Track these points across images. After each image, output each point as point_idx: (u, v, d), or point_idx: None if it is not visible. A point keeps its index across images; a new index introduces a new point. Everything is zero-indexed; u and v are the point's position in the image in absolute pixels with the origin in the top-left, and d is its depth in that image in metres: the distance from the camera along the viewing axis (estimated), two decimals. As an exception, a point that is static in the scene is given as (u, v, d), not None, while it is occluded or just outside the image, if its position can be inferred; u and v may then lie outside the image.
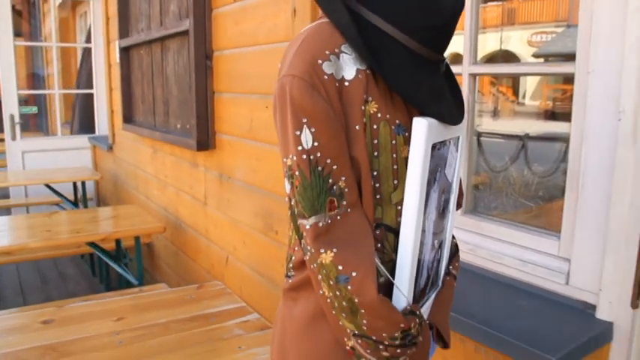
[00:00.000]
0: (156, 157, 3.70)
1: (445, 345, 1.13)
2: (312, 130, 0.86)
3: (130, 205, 4.06)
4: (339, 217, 0.88)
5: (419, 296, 1.02)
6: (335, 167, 0.87)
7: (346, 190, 0.88)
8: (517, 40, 20.93)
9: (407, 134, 0.94)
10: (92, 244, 3.29)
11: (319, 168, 0.87)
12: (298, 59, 0.89)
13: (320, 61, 0.88)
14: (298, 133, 0.86)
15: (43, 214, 3.80)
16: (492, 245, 1.59)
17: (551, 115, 15.29)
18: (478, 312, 1.36)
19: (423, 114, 0.94)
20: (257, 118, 2.33)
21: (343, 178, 0.88)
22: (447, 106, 1.02)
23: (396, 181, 0.94)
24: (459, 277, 1.21)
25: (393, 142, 0.93)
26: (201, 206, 2.97)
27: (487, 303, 1.42)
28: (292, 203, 0.92)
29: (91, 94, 5.83)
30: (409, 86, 0.94)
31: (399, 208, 0.95)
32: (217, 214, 2.77)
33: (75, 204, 5.02)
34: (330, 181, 0.87)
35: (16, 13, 9.60)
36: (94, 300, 2.20)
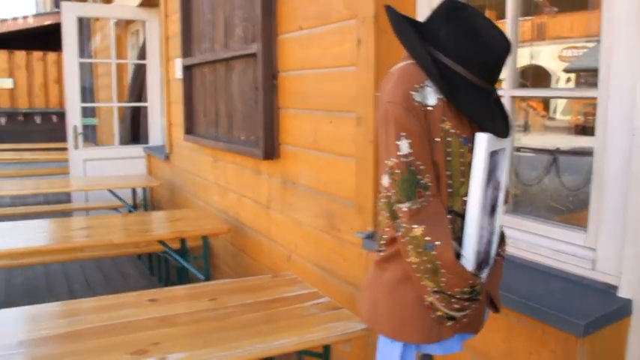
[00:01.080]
0: (216, 165, 4.08)
1: (496, 309, 1.47)
2: (408, 141, 1.23)
3: (190, 209, 4.46)
4: (425, 203, 1.26)
5: (476, 270, 1.37)
6: (422, 167, 1.24)
7: (429, 184, 1.26)
8: (547, 55, 21.05)
9: (470, 145, 1.30)
10: (163, 243, 3.67)
11: (412, 168, 1.24)
12: (396, 90, 1.26)
13: (411, 92, 1.25)
14: (398, 143, 1.23)
15: (120, 215, 4.21)
16: (530, 238, 1.91)
17: (581, 130, 15.41)
18: (519, 292, 1.68)
19: (482, 130, 1.30)
20: (321, 131, 2.68)
21: (428, 175, 1.26)
22: (499, 123, 1.38)
23: (462, 179, 1.32)
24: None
25: (461, 150, 1.30)
26: (263, 210, 3.33)
27: (526, 285, 1.74)
28: (390, 193, 1.31)
29: (139, 108, 6.28)
30: (472, 110, 1.31)
31: (465, 198, 1.32)
32: (280, 216, 3.13)
33: (134, 208, 5.43)
34: (419, 177, 1.25)
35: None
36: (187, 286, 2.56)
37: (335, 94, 2.57)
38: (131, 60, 6.97)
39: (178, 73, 4.85)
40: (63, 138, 13.44)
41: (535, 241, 1.90)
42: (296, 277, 2.52)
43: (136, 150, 6.29)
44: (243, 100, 3.55)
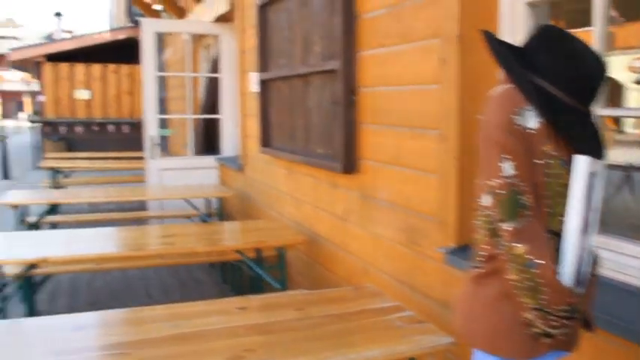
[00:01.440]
0: (291, 177, 4.19)
1: (589, 328, 1.48)
2: (512, 163, 1.27)
3: (264, 220, 4.58)
4: (526, 223, 1.30)
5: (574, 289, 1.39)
6: (525, 188, 1.29)
7: (531, 204, 1.31)
8: (617, 66, 20.36)
9: (568, 167, 1.34)
10: (240, 252, 3.80)
11: (515, 189, 1.29)
12: (498, 114, 1.32)
13: (513, 116, 1.30)
14: (502, 165, 1.28)
15: (197, 224, 4.37)
16: (617, 258, 1.90)
17: (655, 144, 14.83)
18: (611, 311, 1.68)
19: (580, 152, 1.33)
20: (403, 147, 2.73)
21: (529, 196, 1.31)
22: (596, 146, 1.41)
23: (560, 200, 1.36)
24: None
25: (560, 172, 1.34)
26: (340, 222, 3.41)
27: (616, 305, 1.73)
28: (490, 212, 1.37)
29: (211, 119, 6.47)
30: (572, 133, 1.36)
31: (561, 218, 1.36)
32: (358, 229, 3.19)
33: (208, 217, 5.62)
34: (521, 197, 1.30)
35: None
36: (272, 294, 2.65)
37: (417, 111, 2.62)
38: (205, 73, 7.20)
39: (254, 86, 5.01)
40: (134, 147, 14.00)
41: (623, 260, 1.89)
42: (378, 289, 2.57)
43: (209, 160, 6.50)
44: (320, 115, 3.64)
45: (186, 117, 6.59)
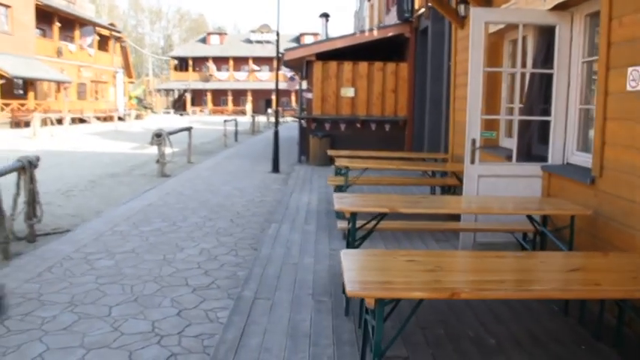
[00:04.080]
0: None
1: None
2: None
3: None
4: None
5: None
6: None
7: None
8: None
9: None
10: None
11: None
12: None
13: None
14: None
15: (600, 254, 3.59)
16: None
17: None
18: None
19: None
20: None
21: None
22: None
23: None
24: None
25: None
26: None
27: None
28: None
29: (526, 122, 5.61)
30: None
31: None
32: None
33: (554, 238, 4.79)
34: None
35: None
36: None
37: None
38: (532, 69, 6.36)
39: (632, 84, 4.07)
40: (395, 146, 13.77)
41: None
42: None
43: (533, 169, 5.67)
44: None
45: (512, 118, 5.82)
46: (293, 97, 57.48)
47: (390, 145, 14.03)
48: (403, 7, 14.06)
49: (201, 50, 68.14)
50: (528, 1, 5.92)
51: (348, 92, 14.50)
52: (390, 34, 14.46)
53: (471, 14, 5.43)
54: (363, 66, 14.47)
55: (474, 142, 5.53)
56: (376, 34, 14.53)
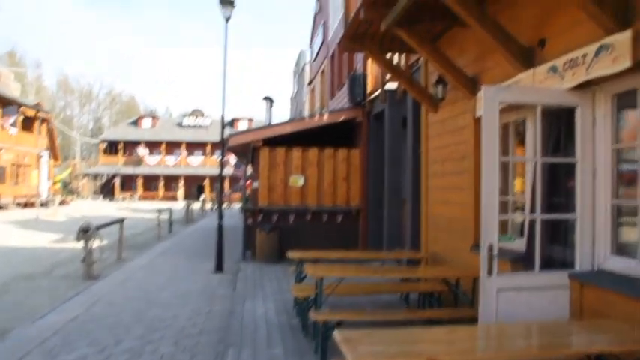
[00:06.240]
0: None
1: None
2: None
3: None
4: None
5: None
6: None
7: None
8: None
9: None
10: None
11: None
12: None
13: None
14: None
15: None
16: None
17: None
18: None
19: None
20: None
21: None
22: None
23: None
24: None
25: None
26: None
27: None
28: None
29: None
30: None
31: None
32: None
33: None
34: None
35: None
36: None
37: None
38: (551, 159, 5.41)
39: None
40: (350, 239, 12.67)
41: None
42: None
43: (559, 277, 4.59)
44: None
45: (535, 217, 4.77)
46: (226, 183, 55.98)
47: (343, 239, 12.92)
48: (355, 90, 13.34)
49: (132, 134, 66.33)
50: (537, 79, 5.03)
51: (298, 181, 13.39)
52: (342, 118, 13.65)
53: (483, 93, 4.47)
54: (313, 153, 13.48)
55: (490, 247, 4.42)
56: (326, 119, 13.67)
